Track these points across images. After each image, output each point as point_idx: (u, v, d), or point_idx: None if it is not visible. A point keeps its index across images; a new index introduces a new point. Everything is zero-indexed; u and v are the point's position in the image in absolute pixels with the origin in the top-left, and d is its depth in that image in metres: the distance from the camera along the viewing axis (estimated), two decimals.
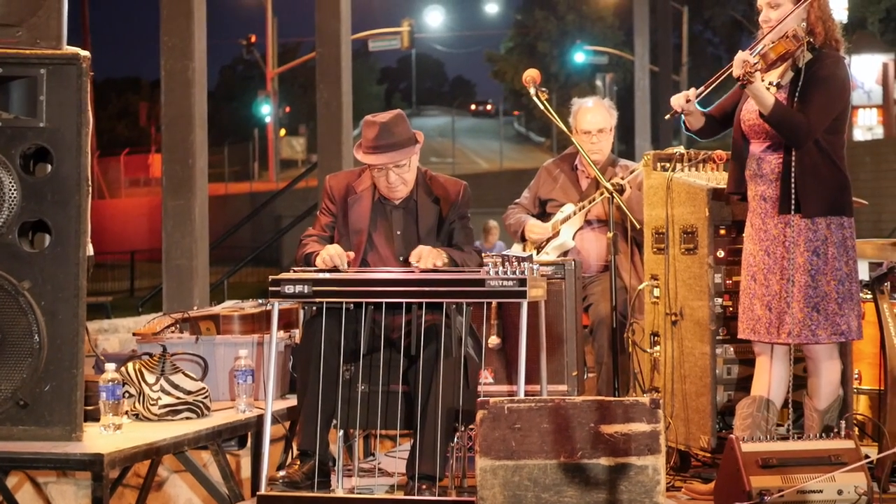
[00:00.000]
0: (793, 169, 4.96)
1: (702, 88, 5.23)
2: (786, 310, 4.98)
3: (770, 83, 5.01)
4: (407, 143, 5.37)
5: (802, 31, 5.00)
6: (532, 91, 5.98)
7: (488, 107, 64.77)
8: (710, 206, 5.40)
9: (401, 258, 5.40)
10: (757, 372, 5.18)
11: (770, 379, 5.13)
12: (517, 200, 6.98)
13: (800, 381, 5.26)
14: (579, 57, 41.03)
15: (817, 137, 4.98)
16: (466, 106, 70.05)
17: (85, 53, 4.84)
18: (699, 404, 5.45)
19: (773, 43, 4.98)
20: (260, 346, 5.78)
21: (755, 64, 4.90)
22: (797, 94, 4.99)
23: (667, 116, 5.35)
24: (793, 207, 4.97)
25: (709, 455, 5.46)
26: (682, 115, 5.31)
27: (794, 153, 4.97)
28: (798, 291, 4.98)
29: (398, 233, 5.48)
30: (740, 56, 4.91)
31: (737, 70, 4.90)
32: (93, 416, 5.03)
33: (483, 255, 5.55)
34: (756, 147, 5.13)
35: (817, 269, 4.99)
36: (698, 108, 5.28)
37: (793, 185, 4.96)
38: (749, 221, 5.16)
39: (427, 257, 5.23)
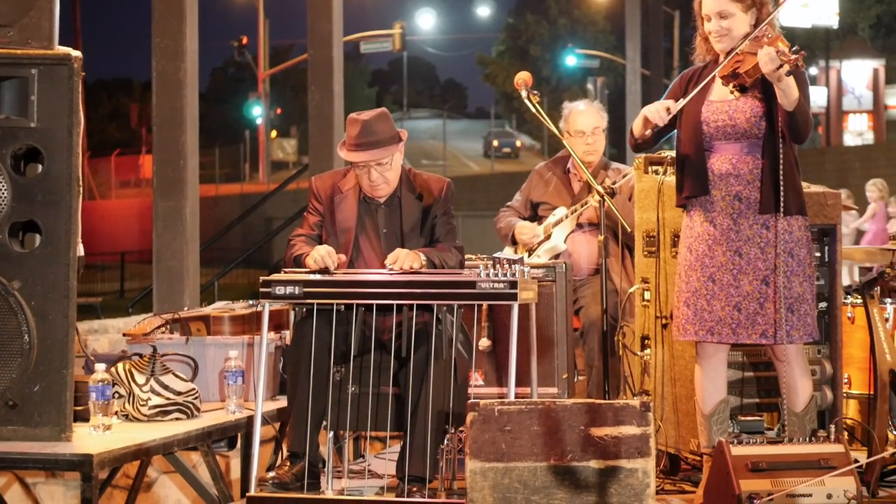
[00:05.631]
0: (781, 169, 4.94)
1: (681, 99, 5.05)
2: (758, 310, 4.96)
3: (734, 86, 4.91)
4: (389, 141, 5.37)
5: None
6: (524, 94, 5.96)
7: (518, 143, 52.95)
8: None
9: (387, 256, 5.39)
10: (710, 375, 5.10)
11: (721, 380, 5.13)
12: (509, 203, 6.99)
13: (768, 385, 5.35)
14: (571, 60, 41.07)
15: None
16: (458, 109, 68.24)
17: (76, 54, 4.83)
18: (689, 408, 5.44)
19: (766, 41, 4.81)
20: (250, 347, 5.77)
21: (794, 49, 4.71)
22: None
23: (647, 132, 5.08)
24: (774, 207, 4.93)
25: (699, 458, 5.46)
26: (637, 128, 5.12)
27: (780, 153, 4.94)
28: (773, 292, 4.95)
29: (384, 231, 5.47)
30: (766, 51, 4.71)
31: (770, 65, 4.69)
32: (82, 417, 5.02)
33: (476, 256, 5.53)
34: (727, 147, 5.01)
35: (791, 269, 4.96)
36: None
37: (782, 185, 4.92)
38: (708, 221, 5.02)
39: (403, 260, 5.23)
